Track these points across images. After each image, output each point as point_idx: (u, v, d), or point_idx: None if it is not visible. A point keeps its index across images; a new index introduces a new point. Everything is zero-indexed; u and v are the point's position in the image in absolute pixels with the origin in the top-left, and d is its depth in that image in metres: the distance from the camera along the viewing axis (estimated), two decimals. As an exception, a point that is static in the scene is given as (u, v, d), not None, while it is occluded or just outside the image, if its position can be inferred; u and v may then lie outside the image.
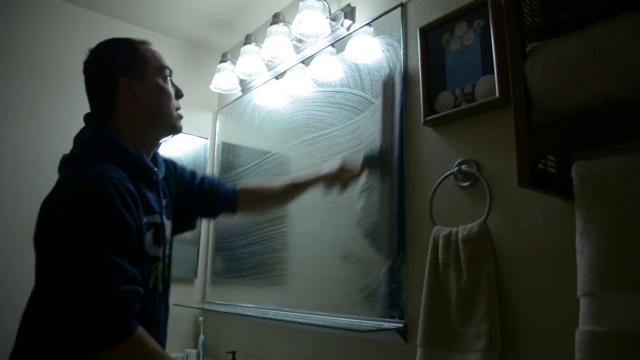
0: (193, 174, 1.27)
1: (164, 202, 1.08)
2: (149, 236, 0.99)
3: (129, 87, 1.01)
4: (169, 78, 1.08)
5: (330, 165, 1.42)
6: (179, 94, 1.10)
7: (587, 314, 0.81)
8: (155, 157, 1.11)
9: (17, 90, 1.96)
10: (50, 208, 0.93)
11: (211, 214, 1.37)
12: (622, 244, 0.79)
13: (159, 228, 1.02)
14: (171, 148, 2.39)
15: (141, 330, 0.91)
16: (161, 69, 1.06)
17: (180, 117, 1.10)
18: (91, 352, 0.86)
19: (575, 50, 0.86)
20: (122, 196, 0.91)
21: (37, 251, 0.95)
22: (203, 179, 1.28)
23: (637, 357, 0.74)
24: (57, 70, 2.03)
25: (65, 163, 0.99)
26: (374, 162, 1.44)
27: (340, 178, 1.40)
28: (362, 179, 1.46)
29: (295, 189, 1.40)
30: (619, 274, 0.78)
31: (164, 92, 1.05)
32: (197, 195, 1.24)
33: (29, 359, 0.93)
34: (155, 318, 1.02)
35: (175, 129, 1.09)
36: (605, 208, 0.82)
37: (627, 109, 0.81)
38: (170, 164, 1.20)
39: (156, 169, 1.06)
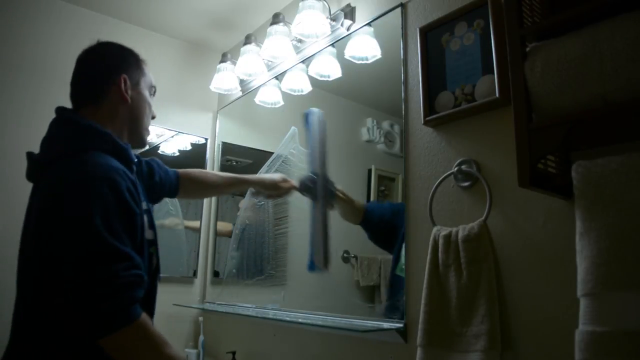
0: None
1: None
2: (146, 221, 1.04)
3: (125, 85, 1.08)
4: (152, 98, 1.20)
5: (272, 175, 1.64)
6: (154, 115, 1.20)
7: (587, 314, 0.80)
8: None
9: (18, 90, 1.96)
10: (56, 198, 0.93)
11: (152, 198, 1.32)
12: (622, 244, 0.79)
13: (150, 212, 1.08)
14: (172, 148, 2.39)
15: (145, 317, 0.92)
16: (151, 87, 1.18)
17: (149, 133, 1.20)
18: (95, 339, 0.86)
19: (575, 50, 0.86)
20: (128, 186, 0.96)
21: (36, 244, 0.94)
22: (140, 162, 1.27)
23: (637, 358, 0.74)
24: (57, 70, 2.02)
25: (50, 162, 0.98)
26: (307, 189, 1.60)
27: (272, 189, 1.59)
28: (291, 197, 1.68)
29: (237, 183, 1.59)
30: (619, 274, 0.78)
31: (148, 106, 1.16)
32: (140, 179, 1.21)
33: (27, 356, 0.93)
34: (154, 295, 1.08)
35: (143, 143, 1.18)
36: (605, 208, 0.82)
37: (627, 109, 0.81)
38: None
39: (136, 160, 1.12)
